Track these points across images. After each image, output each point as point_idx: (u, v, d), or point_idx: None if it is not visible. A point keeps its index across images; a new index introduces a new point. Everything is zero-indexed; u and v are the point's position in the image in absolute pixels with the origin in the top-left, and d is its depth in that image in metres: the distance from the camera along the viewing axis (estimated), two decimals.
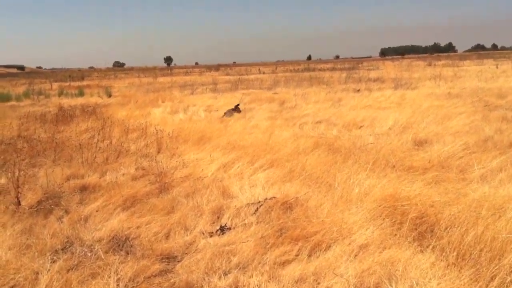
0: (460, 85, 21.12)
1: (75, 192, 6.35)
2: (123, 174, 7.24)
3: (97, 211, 5.56)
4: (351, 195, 5.41)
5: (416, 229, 4.43)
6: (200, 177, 6.77)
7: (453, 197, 5.01)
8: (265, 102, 17.36)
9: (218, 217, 5.25)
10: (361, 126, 10.77)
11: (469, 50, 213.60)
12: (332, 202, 5.21)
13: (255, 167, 7.08)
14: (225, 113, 13.88)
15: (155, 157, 8.20)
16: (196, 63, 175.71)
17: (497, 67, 36.21)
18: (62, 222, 5.27)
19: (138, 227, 5.00)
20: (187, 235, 4.80)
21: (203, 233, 4.80)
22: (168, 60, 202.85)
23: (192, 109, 15.73)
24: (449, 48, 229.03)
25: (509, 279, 3.43)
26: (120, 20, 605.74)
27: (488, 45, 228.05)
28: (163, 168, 7.16)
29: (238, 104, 14.85)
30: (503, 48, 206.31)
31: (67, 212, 5.61)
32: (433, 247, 4.04)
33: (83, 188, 6.50)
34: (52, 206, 5.71)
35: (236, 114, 13.58)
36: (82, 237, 4.77)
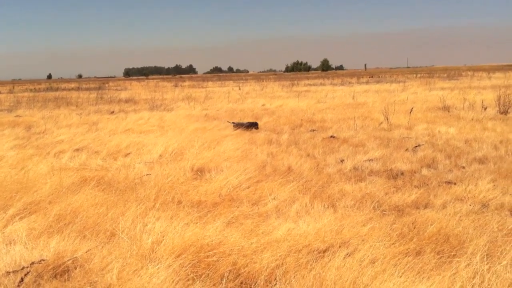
0: (214, 107, 21.56)
1: None
2: None
3: None
4: (142, 247, 4.42)
5: (233, 287, 3.69)
6: None
7: (261, 240, 4.44)
8: (8, 127, 15.04)
9: None
10: (128, 154, 9.76)
11: (208, 72, 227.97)
12: (122, 260, 4.16)
13: (9, 215, 5.53)
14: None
15: None
16: None
17: (239, 89, 38.54)
18: None
19: None
20: None
21: None
22: None
23: None
24: (190, 69, 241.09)
25: None
26: None
27: (224, 67, 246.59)
28: None
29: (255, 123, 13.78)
30: (238, 71, 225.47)
31: None
32: None
33: None
34: None
35: None
36: None
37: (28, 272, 3.99)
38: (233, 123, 13.77)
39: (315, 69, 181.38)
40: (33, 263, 4.13)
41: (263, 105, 21.84)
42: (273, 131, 12.67)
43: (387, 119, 13.16)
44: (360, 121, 13.79)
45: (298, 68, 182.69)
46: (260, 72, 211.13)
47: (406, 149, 9.28)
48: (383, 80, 50.00)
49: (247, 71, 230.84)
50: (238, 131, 12.54)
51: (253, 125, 13.51)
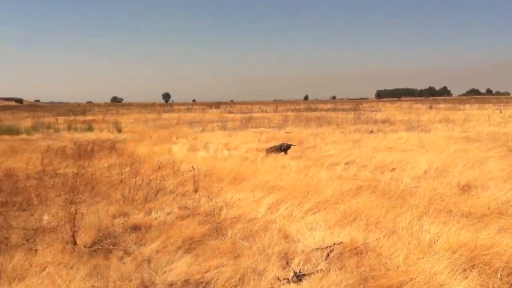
0: (473, 129, 21.16)
1: (128, 232, 6.12)
2: (168, 213, 7.05)
3: (157, 252, 5.36)
4: (421, 243, 5.22)
5: (508, 281, 4.25)
6: (252, 218, 6.58)
7: None
8: (283, 142, 17.26)
9: (287, 262, 5.04)
10: (393, 169, 10.63)
11: (464, 94, 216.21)
12: (406, 250, 5.02)
13: (305, 209, 6.88)
14: (267, 150, 13.78)
15: (194, 196, 8.03)
16: (194, 100, 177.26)
17: (500, 112, 36.43)
18: (124, 263, 5.05)
19: (207, 271, 4.79)
20: (261, 280, 4.58)
21: (279, 279, 4.59)
22: (166, 96, 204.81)
23: (211, 147, 15.59)
24: (444, 91, 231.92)
25: None
26: (116, 54, 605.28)
27: (482, 89, 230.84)
28: (209, 208, 6.98)
29: (289, 145, 14.24)
30: (498, 93, 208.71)
31: (126, 252, 5.39)
32: None
33: (135, 228, 6.28)
34: (110, 246, 5.49)
35: (260, 154, 13.45)
36: (154, 280, 4.56)
37: (332, 250, 5.13)
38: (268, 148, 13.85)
39: None
40: (334, 244, 5.27)
41: None
42: None
43: None
44: None
45: None
46: None
47: None
48: None
49: (508, 94, 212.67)
50: (498, 154, 12.40)
51: (284, 148, 13.62)
